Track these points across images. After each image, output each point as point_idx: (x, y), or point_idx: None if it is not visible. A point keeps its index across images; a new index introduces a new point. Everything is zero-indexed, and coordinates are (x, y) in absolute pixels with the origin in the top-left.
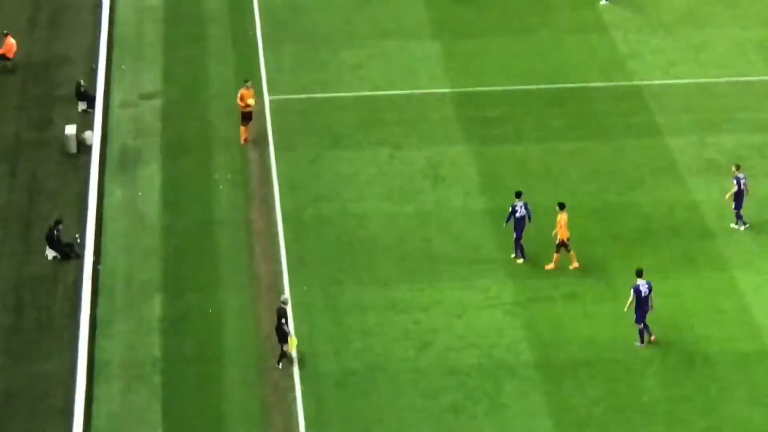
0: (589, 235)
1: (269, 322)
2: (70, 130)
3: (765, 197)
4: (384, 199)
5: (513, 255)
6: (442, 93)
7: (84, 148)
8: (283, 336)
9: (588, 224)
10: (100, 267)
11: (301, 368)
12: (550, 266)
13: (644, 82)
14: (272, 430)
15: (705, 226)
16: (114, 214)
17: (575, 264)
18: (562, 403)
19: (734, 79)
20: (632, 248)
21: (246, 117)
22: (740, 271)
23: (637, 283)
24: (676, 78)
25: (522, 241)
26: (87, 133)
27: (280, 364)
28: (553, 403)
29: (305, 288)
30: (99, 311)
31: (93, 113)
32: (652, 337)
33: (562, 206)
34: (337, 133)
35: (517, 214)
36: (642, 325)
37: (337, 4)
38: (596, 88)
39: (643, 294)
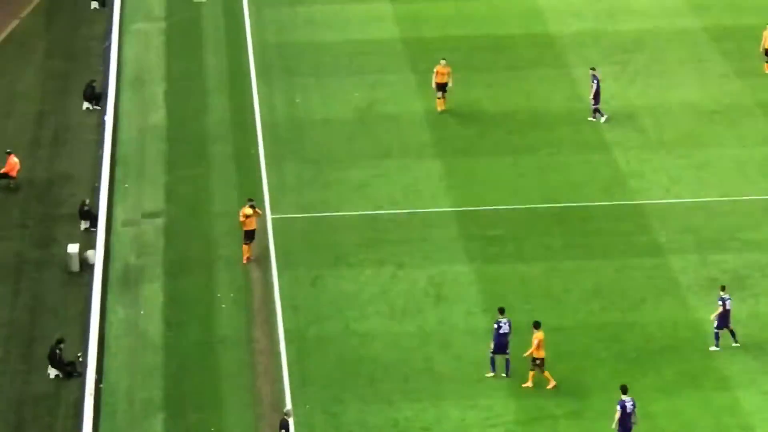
0: (592, 353)
1: None
2: (73, 248)
3: (766, 316)
4: (386, 318)
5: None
6: (444, 212)
7: (86, 266)
8: None
9: (590, 343)
10: (102, 386)
11: None
12: (527, 384)
13: (646, 201)
14: None
15: (707, 345)
16: (116, 332)
17: (552, 383)
18: None
19: (735, 198)
20: (634, 367)
21: (248, 236)
22: (743, 390)
23: (622, 398)
24: (678, 197)
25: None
26: (89, 252)
27: None
28: None
29: (307, 407)
30: (100, 430)
31: (95, 232)
32: None
33: (537, 325)
34: (339, 251)
35: (501, 330)
36: None
37: (340, 123)
38: (598, 206)
39: (627, 410)
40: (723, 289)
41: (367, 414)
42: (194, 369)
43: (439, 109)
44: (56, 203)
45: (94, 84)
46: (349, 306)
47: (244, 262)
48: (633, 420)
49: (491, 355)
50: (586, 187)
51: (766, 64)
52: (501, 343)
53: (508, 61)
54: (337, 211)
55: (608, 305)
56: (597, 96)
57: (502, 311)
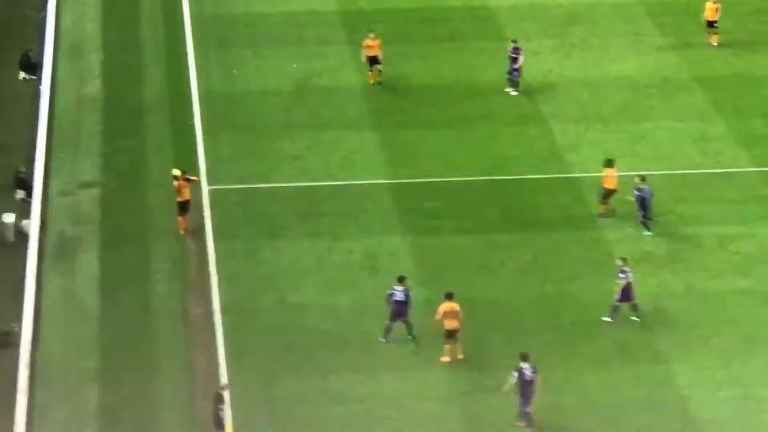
0: (527, 326)
1: (206, 412)
2: (8, 218)
3: (700, 290)
4: (322, 290)
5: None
6: (381, 184)
7: (22, 236)
8: (219, 423)
9: (526, 316)
10: (37, 355)
11: None
12: (445, 359)
13: (582, 175)
14: None
15: (642, 318)
16: (52, 302)
17: (460, 356)
18: None
19: (671, 172)
20: (569, 340)
21: (182, 207)
22: (677, 363)
23: (521, 365)
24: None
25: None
26: (25, 222)
27: None
28: None
29: (242, 378)
30: (36, 399)
31: (31, 202)
32: (521, 423)
33: (448, 296)
34: (275, 223)
35: (395, 298)
36: (528, 408)
37: (277, 94)
38: (534, 179)
39: (526, 377)
40: (624, 261)
41: (302, 385)
42: (130, 339)
43: (371, 81)
44: None
45: (31, 54)
46: (285, 278)
47: (181, 233)
48: (533, 389)
49: (388, 322)
50: (523, 160)
51: (710, 35)
52: (397, 311)
53: (445, 33)
54: (274, 183)
55: (544, 278)
56: (517, 69)
57: (400, 279)
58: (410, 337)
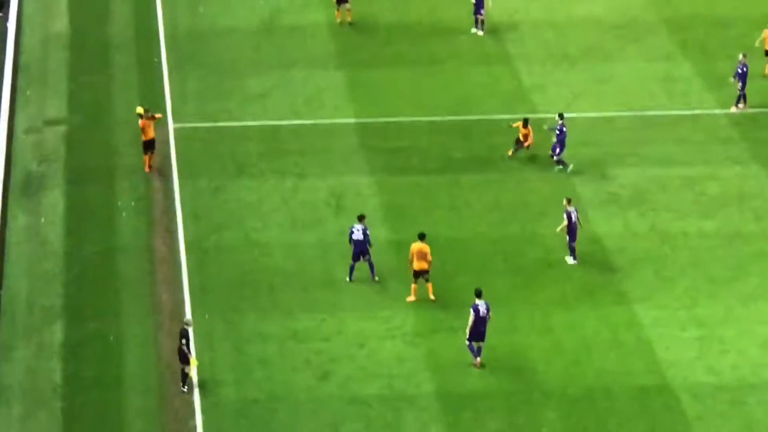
0: (491, 266)
1: (171, 349)
2: None
3: (665, 231)
4: (287, 229)
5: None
6: (347, 123)
7: None
8: (184, 357)
9: (490, 256)
10: (1, 292)
11: (201, 396)
12: (410, 298)
13: (548, 115)
14: None
15: (606, 259)
16: (16, 239)
17: (432, 297)
18: None
19: (637, 113)
20: (533, 280)
21: (147, 146)
22: (640, 304)
23: (476, 302)
24: (580, 111)
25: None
26: None
27: (186, 386)
28: None
29: (207, 316)
30: (0, 337)
31: None
32: (477, 360)
33: (420, 236)
34: (241, 162)
35: (353, 236)
36: (472, 344)
37: (243, 33)
38: (500, 119)
39: (481, 313)
40: (569, 202)
41: (266, 324)
42: (94, 277)
43: (338, 20)
44: None
45: None
46: (250, 216)
47: (146, 171)
48: (486, 326)
49: (351, 263)
50: (488, 100)
51: None
52: (357, 250)
53: None
54: (239, 121)
55: (508, 218)
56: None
57: (359, 218)
58: (374, 279)
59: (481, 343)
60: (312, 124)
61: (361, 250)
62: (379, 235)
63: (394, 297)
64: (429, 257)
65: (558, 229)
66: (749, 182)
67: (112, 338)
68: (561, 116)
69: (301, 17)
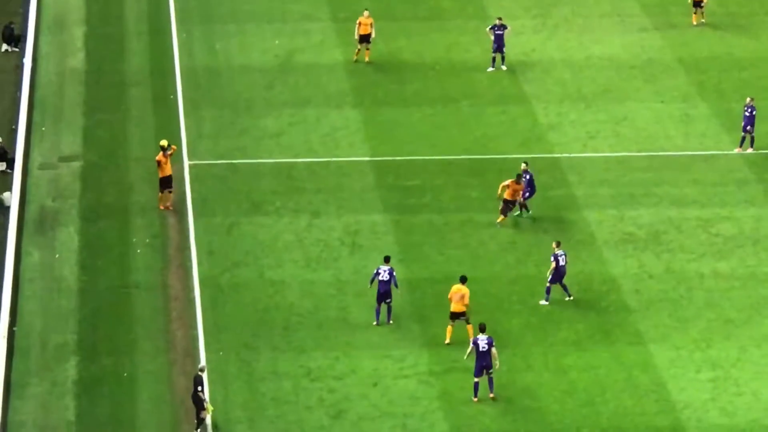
0: (506, 306)
1: (184, 387)
2: None
3: (680, 272)
4: (301, 267)
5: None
6: (362, 161)
7: (2, 209)
8: (199, 403)
9: (504, 296)
10: (15, 329)
11: None
12: (447, 341)
13: (564, 155)
14: None
15: (622, 299)
16: (31, 275)
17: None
18: None
19: (653, 153)
20: (548, 321)
21: (163, 183)
22: (656, 345)
23: (477, 337)
24: (596, 151)
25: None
26: (5, 194)
27: (199, 430)
28: None
29: (221, 353)
30: (13, 373)
31: (12, 174)
32: (491, 394)
33: (463, 279)
34: (255, 199)
35: (379, 277)
36: (478, 378)
37: (259, 71)
38: (515, 159)
39: (480, 348)
40: (558, 245)
41: (280, 362)
42: (108, 314)
43: (355, 58)
44: None
45: (13, 26)
46: (265, 254)
47: (161, 208)
48: (490, 360)
49: (376, 306)
50: (504, 140)
51: (694, 15)
52: (382, 291)
53: (428, 11)
54: (255, 159)
55: (523, 258)
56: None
57: (386, 259)
58: (389, 322)
59: (490, 374)
60: (327, 162)
61: (385, 290)
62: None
63: (408, 336)
64: (467, 300)
65: (548, 272)
66: (764, 223)
67: (125, 375)
68: (526, 163)
69: (316, 56)
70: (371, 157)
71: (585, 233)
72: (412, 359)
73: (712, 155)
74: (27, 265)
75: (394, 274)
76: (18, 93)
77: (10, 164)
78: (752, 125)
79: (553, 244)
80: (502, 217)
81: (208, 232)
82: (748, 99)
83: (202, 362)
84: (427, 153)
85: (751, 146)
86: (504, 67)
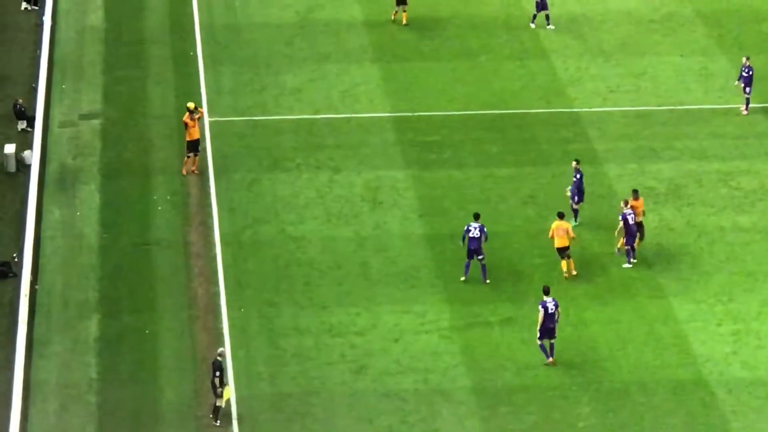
0: (527, 260)
1: (206, 343)
2: (9, 149)
3: (701, 226)
4: (322, 223)
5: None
6: (382, 117)
7: (23, 167)
8: (216, 391)
9: (525, 250)
10: (37, 287)
11: (237, 390)
12: (565, 274)
13: (583, 109)
14: None
15: (642, 253)
16: (52, 233)
17: (574, 272)
18: (497, 428)
19: (673, 107)
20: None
21: (192, 146)
22: (676, 298)
23: (544, 299)
24: (615, 105)
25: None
26: (26, 153)
27: (218, 421)
28: (488, 429)
29: (242, 310)
30: (35, 331)
31: (32, 132)
32: (549, 360)
33: (560, 215)
34: (276, 156)
35: (470, 234)
36: (544, 342)
37: (278, 27)
38: (535, 114)
39: (549, 311)
40: (626, 203)
41: (301, 318)
42: (129, 271)
43: (392, 18)
44: None
45: None
46: (286, 210)
47: (183, 173)
48: (555, 320)
49: (467, 261)
50: (524, 94)
51: None
52: (472, 248)
53: None
54: (275, 115)
55: (544, 212)
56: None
57: (476, 216)
58: (485, 281)
59: (552, 341)
60: (347, 118)
61: (476, 247)
62: (414, 229)
63: (429, 291)
64: (572, 233)
65: (616, 232)
66: None
67: (147, 332)
68: (577, 161)
69: (336, 11)
70: (391, 112)
71: (606, 187)
72: (433, 314)
73: (732, 108)
74: (48, 223)
75: (485, 230)
76: (38, 51)
77: (31, 122)
78: (749, 86)
79: (621, 203)
80: (621, 240)
81: (228, 188)
82: (744, 59)
83: (222, 347)
84: (447, 108)
85: (746, 108)
86: (551, 27)
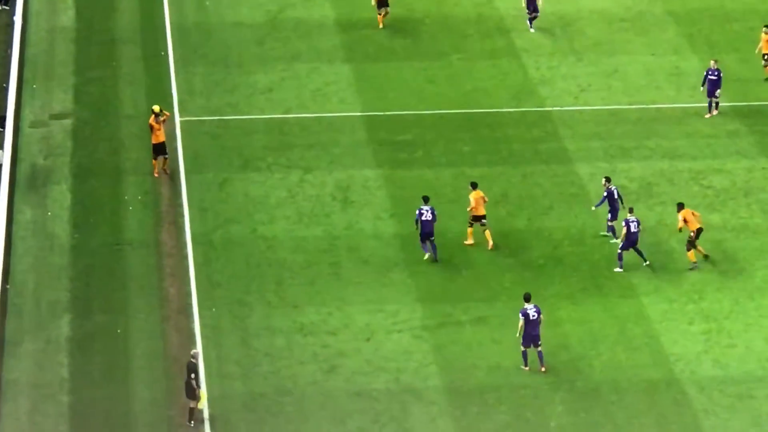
0: (498, 261)
1: (177, 343)
2: None
3: (674, 225)
4: (294, 222)
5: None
6: (353, 116)
7: None
8: (191, 392)
9: (496, 250)
10: (8, 287)
11: (209, 390)
12: (469, 241)
13: (555, 108)
14: None
15: (613, 252)
16: (23, 233)
17: (491, 243)
18: (469, 428)
19: (644, 106)
20: (541, 274)
21: (156, 150)
22: (648, 298)
23: (525, 307)
24: (587, 104)
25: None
26: None
27: (192, 422)
28: (460, 428)
29: (214, 310)
30: (7, 331)
31: (3, 132)
32: (542, 368)
33: (474, 185)
34: (247, 155)
35: (422, 218)
36: (526, 349)
37: (249, 26)
38: (507, 113)
39: (531, 317)
40: (631, 211)
41: (273, 318)
42: (101, 271)
43: (381, 25)
44: None
45: None
46: (257, 210)
47: (155, 175)
48: (539, 329)
49: (420, 243)
50: (495, 94)
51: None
52: (425, 230)
53: None
54: (246, 115)
55: (515, 211)
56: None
57: (425, 199)
58: (436, 260)
59: (539, 348)
60: (318, 118)
61: (429, 230)
62: (386, 228)
63: (401, 290)
64: (486, 199)
65: (620, 239)
66: (756, 175)
67: (119, 332)
68: (607, 179)
69: (307, 11)
70: (362, 112)
71: (577, 186)
72: (405, 314)
73: (704, 107)
74: (19, 223)
75: (436, 213)
76: (8, 51)
77: (1, 122)
78: (719, 88)
79: (627, 211)
80: (691, 252)
81: (200, 188)
82: (712, 62)
83: (196, 348)
84: (419, 107)
85: (716, 109)
86: (532, 30)
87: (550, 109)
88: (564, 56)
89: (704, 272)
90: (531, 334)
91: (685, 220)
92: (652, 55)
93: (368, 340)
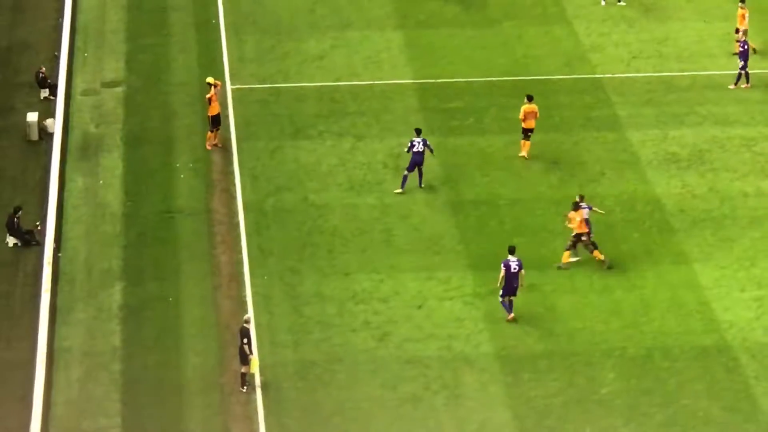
0: (550, 227)
1: (229, 310)
2: (32, 117)
3: (724, 191)
4: (345, 190)
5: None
6: (405, 84)
7: (45, 135)
8: (244, 357)
9: (549, 216)
10: (60, 255)
11: (260, 358)
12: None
13: (606, 75)
14: (231, 417)
15: (665, 219)
16: (75, 201)
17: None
18: (521, 394)
19: (695, 72)
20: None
21: (215, 121)
22: (700, 264)
23: (508, 258)
24: (638, 71)
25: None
26: (49, 121)
27: (245, 387)
28: (512, 395)
29: (265, 278)
30: (59, 299)
31: (55, 100)
32: (510, 316)
33: (529, 97)
34: (298, 123)
35: (414, 149)
36: (505, 299)
37: None
38: (558, 80)
39: (511, 269)
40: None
41: (325, 285)
42: (153, 239)
43: None
44: (15, 71)
45: None
46: (309, 177)
47: (208, 148)
48: (520, 282)
49: (405, 173)
50: (547, 61)
51: None
52: (415, 161)
53: None
54: (297, 82)
55: (567, 178)
56: None
57: (418, 132)
58: (420, 186)
59: (512, 297)
60: (369, 85)
61: (419, 160)
62: (437, 195)
63: (452, 258)
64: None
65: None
66: None
67: (170, 300)
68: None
69: None
70: (414, 79)
71: (628, 153)
72: (456, 281)
73: (755, 74)
74: (71, 192)
75: (428, 143)
76: (60, 19)
77: (53, 91)
78: (746, 60)
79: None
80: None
81: (251, 156)
82: (738, 34)
83: (248, 314)
84: (470, 75)
85: (747, 82)
86: (622, 3)
87: (601, 76)
88: (615, 23)
89: (755, 239)
90: (512, 285)
91: (570, 220)
92: (704, 21)
93: (420, 307)
